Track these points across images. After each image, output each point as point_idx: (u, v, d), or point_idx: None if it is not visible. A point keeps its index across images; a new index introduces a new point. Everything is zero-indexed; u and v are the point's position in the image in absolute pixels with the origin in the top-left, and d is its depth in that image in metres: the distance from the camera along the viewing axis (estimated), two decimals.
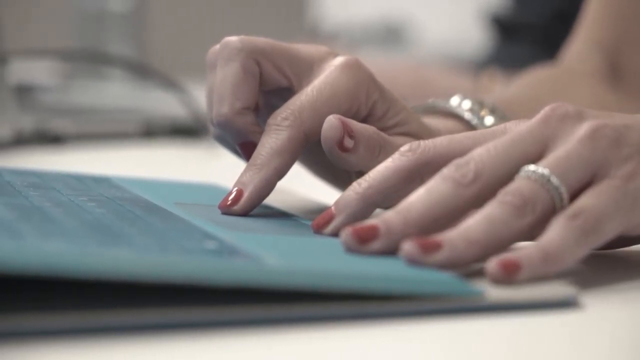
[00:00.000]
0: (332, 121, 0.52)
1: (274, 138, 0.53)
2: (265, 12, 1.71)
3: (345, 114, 0.54)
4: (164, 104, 1.07)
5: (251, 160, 0.53)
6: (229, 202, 0.52)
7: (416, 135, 0.56)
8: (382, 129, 0.55)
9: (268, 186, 0.53)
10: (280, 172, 0.53)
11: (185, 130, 1.01)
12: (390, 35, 3.09)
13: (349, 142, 0.52)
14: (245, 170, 0.53)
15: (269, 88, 0.56)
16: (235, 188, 0.53)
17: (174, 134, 1.00)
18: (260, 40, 0.56)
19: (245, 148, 0.55)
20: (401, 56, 2.52)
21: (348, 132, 0.52)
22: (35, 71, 1.30)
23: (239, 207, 0.52)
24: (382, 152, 0.53)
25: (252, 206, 0.52)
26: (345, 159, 0.52)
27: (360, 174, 0.55)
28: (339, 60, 0.55)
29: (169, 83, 1.04)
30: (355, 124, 0.52)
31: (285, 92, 0.56)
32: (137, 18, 1.58)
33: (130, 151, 0.95)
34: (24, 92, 1.16)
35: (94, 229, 0.44)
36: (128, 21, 1.56)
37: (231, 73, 0.54)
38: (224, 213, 0.52)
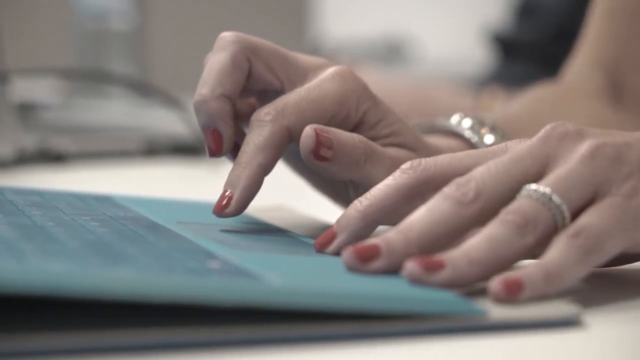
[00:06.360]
0: (307, 131, 0.52)
1: (256, 134, 0.53)
2: (265, 30, 1.71)
3: (332, 119, 0.54)
4: (165, 122, 1.07)
5: (237, 158, 0.53)
6: (222, 205, 0.53)
7: (411, 147, 0.56)
8: (375, 138, 0.55)
9: (255, 183, 0.53)
10: (265, 168, 0.53)
11: (187, 149, 1.01)
12: (392, 52, 3.09)
13: (325, 152, 0.52)
14: (232, 170, 0.53)
15: (259, 87, 0.57)
16: (226, 192, 0.53)
17: (176, 152, 1.01)
18: (256, 39, 0.56)
19: (210, 135, 0.54)
20: (402, 74, 2.52)
21: (324, 141, 0.52)
22: (36, 89, 1.31)
23: (231, 210, 0.53)
24: (368, 161, 0.53)
25: (243, 206, 0.53)
26: (324, 168, 0.53)
27: (356, 186, 0.55)
28: (332, 68, 0.56)
29: (171, 101, 1.04)
30: (338, 133, 0.53)
31: (279, 95, 0.56)
32: (138, 37, 1.58)
33: (132, 170, 0.95)
34: (25, 111, 1.16)
35: (96, 248, 0.44)
36: (129, 40, 1.56)
37: (218, 60, 0.55)
38: (219, 217, 0.53)
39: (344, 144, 0.52)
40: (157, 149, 1.00)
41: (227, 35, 0.56)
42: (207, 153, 0.55)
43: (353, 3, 3.32)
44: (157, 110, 1.12)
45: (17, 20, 1.47)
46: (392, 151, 0.55)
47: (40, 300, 0.37)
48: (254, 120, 0.53)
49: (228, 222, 0.57)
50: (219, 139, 0.54)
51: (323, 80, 0.55)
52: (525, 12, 1.79)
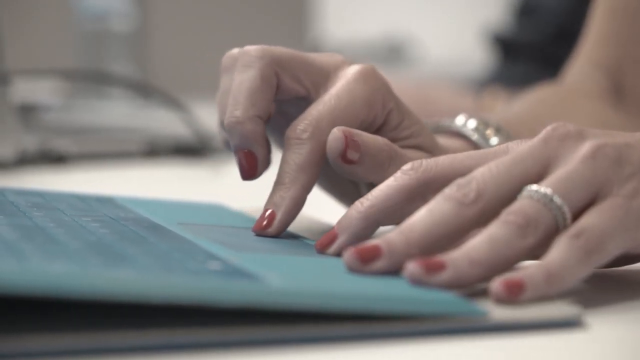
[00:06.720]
0: (335, 133, 0.52)
1: (296, 153, 0.53)
2: (266, 31, 1.71)
3: (362, 123, 0.54)
4: (166, 123, 1.07)
5: (278, 178, 0.53)
6: (263, 224, 0.52)
7: (428, 149, 0.56)
8: (396, 139, 0.55)
9: (298, 204, 0.53)
10: (308, 188, 0.53)
11: (189, 150, 1.01)
12: (393, 53, 3.09)
13: (352, 155, 0.52)
14: (274, 190, 0.53)
15: (286, 98, 0.56)
16: (268, 210, 0.52)
17: (178, 153, 1.00)
18: (279, 50, 0.55)
19: (244, 157, 0.54)
20: (403, 74, 2.52)
21: (352, 144, 0.52)
22: (38, 91, 1.31)
23: (274, 229, 0.52)
24: (392, 164, 0.53)
25: (285, 226, 0.53)
26: (350, 171, 0.52)
27: (371, 187, 0.55)
28: (355, 68, 0.55)
29: (172, 102, 1.04)
30: (364, 136, 0.52)
31: (301, 101, 0.56)
32: (139, 38, 1.58)
33: (133, 171, 0.95)
34: (26, 112, 1.16)
35: (97, 249, 0.44)
36: (130, 41, 1.56)
37: (249, 78, 0.54)
38: (259, 235, 0.52)
39: (370, 147, 0.52)
40: (158, 149, 1.00)
41: (251, 50, 0.55)
42: (240, 175, 0.54)
43: (353, 4, 3.32)
44: (158, 111, 1.12)
45: (17, 20, 1.47)
46: (411, 153, 0.55)
47: (40, 301, 0.37)
48: (291, 138, 0.53)
49: (229, 223, 0.56)
50: (254, 161, 0.54)
51: (348, 82, 0.54)
52: (525, 12, 1.79)
